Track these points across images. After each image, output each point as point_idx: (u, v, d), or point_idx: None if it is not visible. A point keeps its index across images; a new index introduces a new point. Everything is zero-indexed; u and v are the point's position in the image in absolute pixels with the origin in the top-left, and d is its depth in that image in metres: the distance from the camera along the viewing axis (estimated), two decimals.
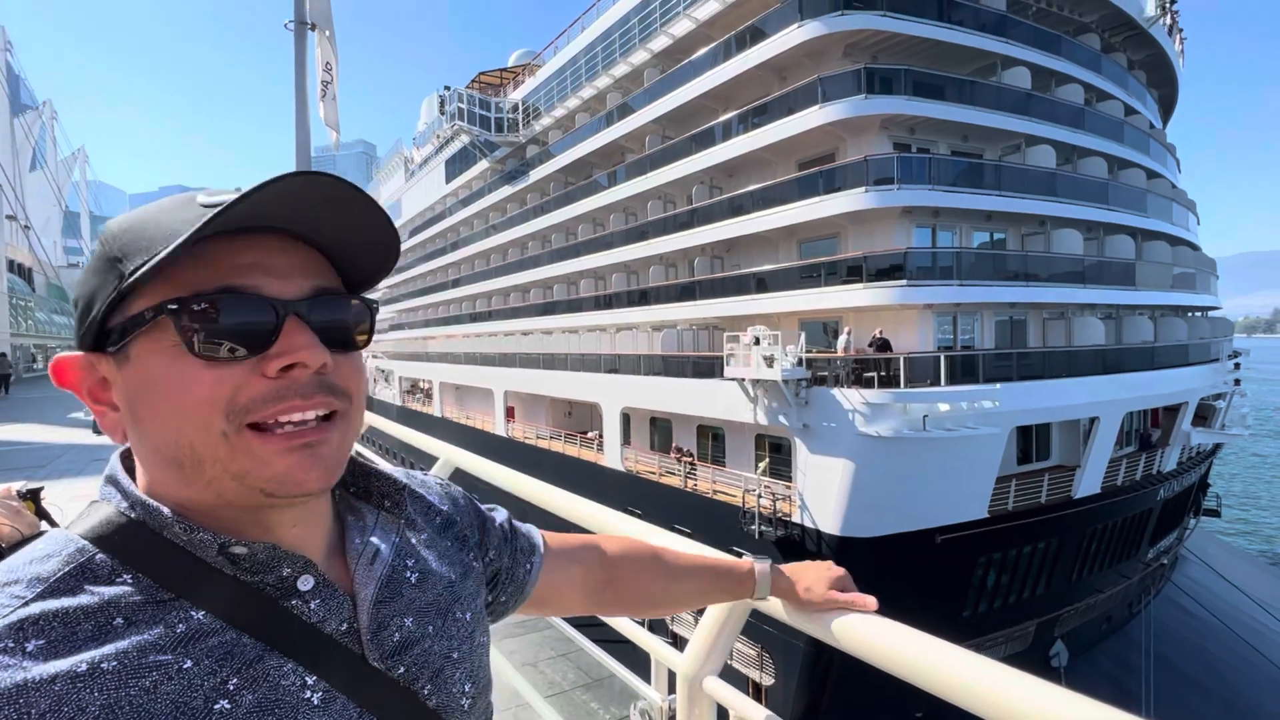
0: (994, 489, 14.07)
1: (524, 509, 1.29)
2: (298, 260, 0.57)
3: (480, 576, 0.76)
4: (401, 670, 0.60)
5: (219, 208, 0.48)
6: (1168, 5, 20.62)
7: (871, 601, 0.98)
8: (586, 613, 0.98)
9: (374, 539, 0.65)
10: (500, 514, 0.86)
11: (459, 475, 1.94)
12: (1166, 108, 25.97)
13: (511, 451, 25.79)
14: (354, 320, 0.60)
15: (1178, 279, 20.14)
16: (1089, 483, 15.61)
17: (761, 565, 1.03)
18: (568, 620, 2.05)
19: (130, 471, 0.58)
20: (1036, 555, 15.14)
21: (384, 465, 0.87)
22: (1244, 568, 25.33)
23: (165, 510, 0.53)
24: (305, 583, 0.56)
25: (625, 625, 1.41)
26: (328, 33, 4.19)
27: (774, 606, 1.03)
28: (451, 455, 1.86)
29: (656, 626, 17.01)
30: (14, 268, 33.13)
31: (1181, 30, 23.49)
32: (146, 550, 0.52)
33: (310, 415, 0.54)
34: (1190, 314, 21.97)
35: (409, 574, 0.65)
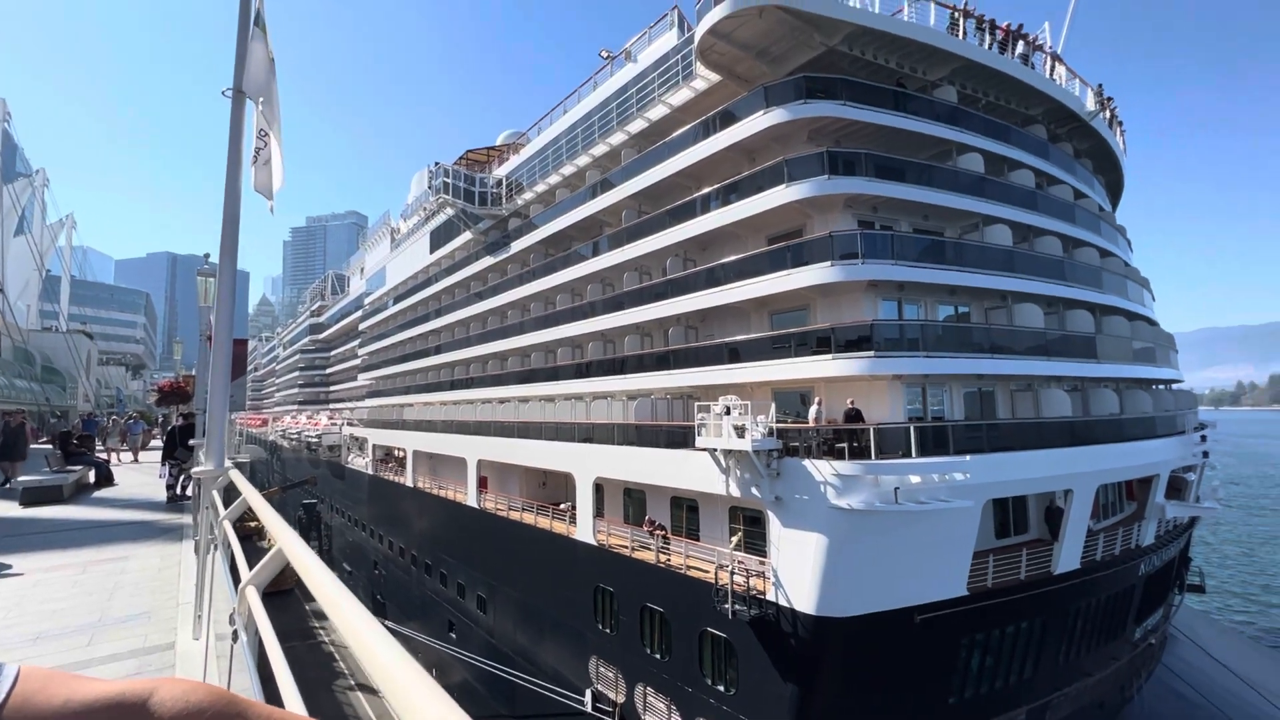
0: (972, 564, 13.74)
1: None
2: None
3: None
4: None
5: None
6: (1105, 101, 22.33)
7: None
8: None
9: None
10: None
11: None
12: (1114, 193, 27.59)
13: (483, 525, 24.88)
14: None
15: (1139, 352, 20.69)
16: (1068, 558, 15.34)
17: None
18: None
19: None
20: (1021, 635, 14.62)
21: None
22: (1234, 645, 24.67)
23: None
24: None
25: None
26: (261, 99, 4.29)
27: None
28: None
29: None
30: None
31: (1121, 123, 25.33)
32: None
33: None
34: (1154, 386, 22.44)
35: None
